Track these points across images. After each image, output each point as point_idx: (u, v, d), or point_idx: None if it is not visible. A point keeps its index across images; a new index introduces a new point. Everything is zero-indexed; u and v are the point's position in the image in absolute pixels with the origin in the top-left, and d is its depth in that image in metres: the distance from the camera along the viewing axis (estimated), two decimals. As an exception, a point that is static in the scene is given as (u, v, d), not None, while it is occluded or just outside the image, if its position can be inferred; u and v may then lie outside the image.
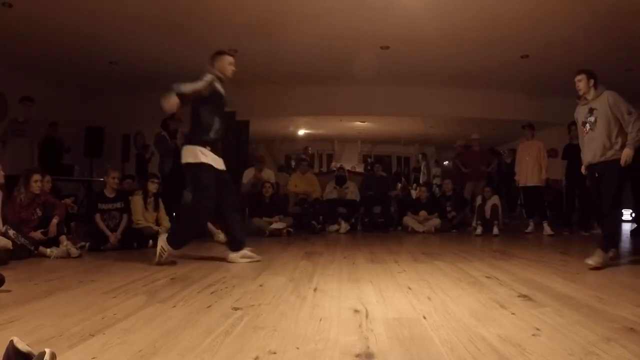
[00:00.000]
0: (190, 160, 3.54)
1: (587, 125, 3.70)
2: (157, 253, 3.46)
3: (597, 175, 3.69)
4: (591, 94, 3.69)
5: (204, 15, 5.36)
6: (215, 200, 3.59)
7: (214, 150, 3.62)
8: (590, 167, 3.76)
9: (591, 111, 3.68)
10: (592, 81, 3.68)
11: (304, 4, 5.07)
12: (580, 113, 3.81)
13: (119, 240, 4.55)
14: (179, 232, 3.63)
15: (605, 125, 3.58)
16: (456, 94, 8.55)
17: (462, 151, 8.62)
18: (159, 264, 3.42)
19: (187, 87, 3.38)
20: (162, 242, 3.49)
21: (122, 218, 4.71)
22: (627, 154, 3.50)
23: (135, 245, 4.63)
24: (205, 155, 3.54)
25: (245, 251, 3.74)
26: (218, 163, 3.64)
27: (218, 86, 3.63)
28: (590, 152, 3.70)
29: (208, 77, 3.54)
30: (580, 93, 3.75)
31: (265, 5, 5.10)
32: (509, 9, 5.04)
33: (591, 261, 3.42)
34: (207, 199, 3.54)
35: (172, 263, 3.52)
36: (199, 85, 3.47)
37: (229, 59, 3.79)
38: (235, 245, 3.75)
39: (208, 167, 3.54)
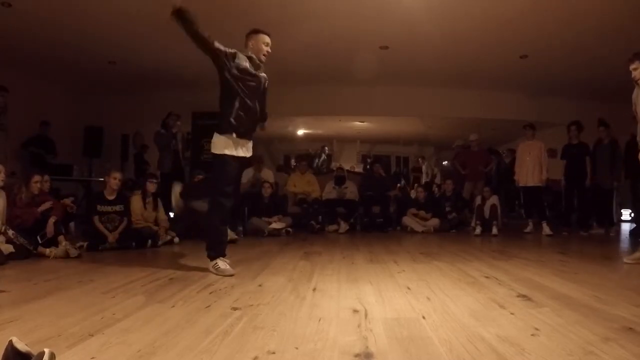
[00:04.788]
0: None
1: None
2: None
3: None
4: None
5: (203, 15, 5.34)
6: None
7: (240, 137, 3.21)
8: None
9: None
10: None
11: (303, 4, 5.07)
12: None
13: (116, 240, 4.54)
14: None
15: None
16: (455, 94, 8.56)
17: (461, 151, 8.62)
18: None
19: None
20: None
21: (121, 221, 4.68)
22: None
23: (133, 245, 4.62)
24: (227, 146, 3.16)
25: None
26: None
27: (246, 63, 3.21)
28: None
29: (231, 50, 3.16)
30: (636, 79, 3.61)
31: (265, 5, 5.10)
32: (509, 9, 5.05)
33: None
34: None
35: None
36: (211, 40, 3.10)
37: (264, 38, 3.37)
38: None
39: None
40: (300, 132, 12.70)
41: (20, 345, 1.22)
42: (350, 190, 7.43)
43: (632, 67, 3.58)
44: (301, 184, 7.41)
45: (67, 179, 7.22)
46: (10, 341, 1.22)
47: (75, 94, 8.50)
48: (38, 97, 7.49)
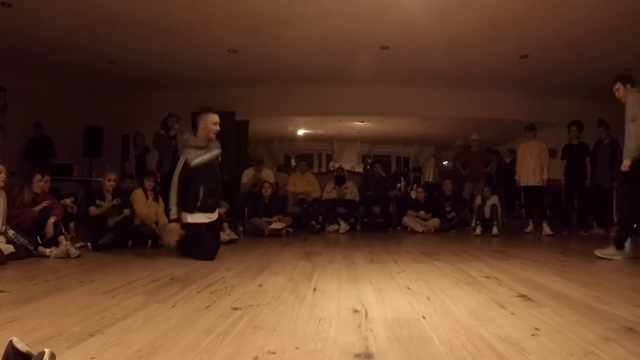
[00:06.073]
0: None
1: None
2: None
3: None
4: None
5: (204, 15, 5.36)
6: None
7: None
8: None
9: None
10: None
11: (303, 4, 5.07)
12: None
13: (115, 227, 4.52)
14: None
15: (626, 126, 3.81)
16: (456, 94, 8.55)
17: (461, 152, 8.62)
18: None
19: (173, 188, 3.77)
20: None
21: (121, 213, 4.68)
22: (624, 165, 3.78)
23: (130, 244, 4.59)
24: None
25: None
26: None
27: (196, 154, 3.82)
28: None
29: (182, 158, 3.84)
30: (619, 98, 4.00)
31: (265, 6, 5.10)
32: (509, 9, 5.04)
33: None
34: None
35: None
36: (175, 174, 3.80)
37: (213, 117, 3.89)
38: None
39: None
40: (301, 132, 12.70)
41: (21, 345, 1.22)
42: (351, 191, 7.43)
43: (614, 88, 3.93)
44: (301, 184, 7.41)
45: (67, 179, 7.22)
46: (11, 341, 1.22)
47: (75, 94, 8.50)
48: (38, 97, 7.49)
